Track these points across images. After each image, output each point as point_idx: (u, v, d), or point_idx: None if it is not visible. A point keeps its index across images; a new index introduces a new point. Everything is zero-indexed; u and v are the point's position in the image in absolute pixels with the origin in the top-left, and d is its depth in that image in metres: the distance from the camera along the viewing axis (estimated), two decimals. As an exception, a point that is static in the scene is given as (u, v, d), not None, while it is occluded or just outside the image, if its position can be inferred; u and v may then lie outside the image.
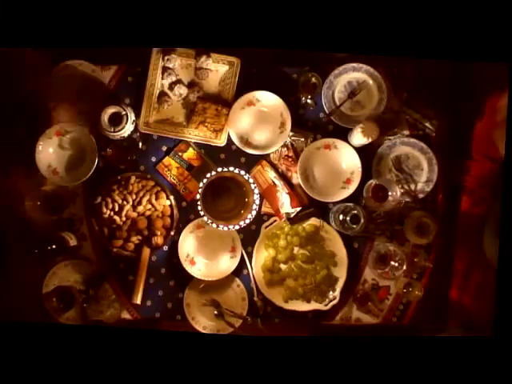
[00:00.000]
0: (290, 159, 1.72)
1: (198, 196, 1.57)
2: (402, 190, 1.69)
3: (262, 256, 1.72)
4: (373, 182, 1.60)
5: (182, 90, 1.71)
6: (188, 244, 1.71)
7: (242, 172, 1.58)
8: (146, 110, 1.71)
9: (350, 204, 1.64)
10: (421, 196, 1.70)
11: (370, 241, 1.73)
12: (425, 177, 1.71)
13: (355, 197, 1.68)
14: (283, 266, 1.72)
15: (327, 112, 1.71)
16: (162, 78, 1.71)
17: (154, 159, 1.73)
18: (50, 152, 1.67)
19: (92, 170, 1.65)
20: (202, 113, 1.70)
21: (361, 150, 1.69)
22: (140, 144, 1.72)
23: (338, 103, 1.72)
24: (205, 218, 1.58)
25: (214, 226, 1.58)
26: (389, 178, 1.71)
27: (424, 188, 1.70)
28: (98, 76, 1.70)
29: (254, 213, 1.59)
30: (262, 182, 1.71)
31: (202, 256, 1.72)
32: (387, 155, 1.71)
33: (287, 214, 1.70)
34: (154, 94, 1.71)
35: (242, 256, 1.71)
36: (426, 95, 1.72)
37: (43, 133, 1.65)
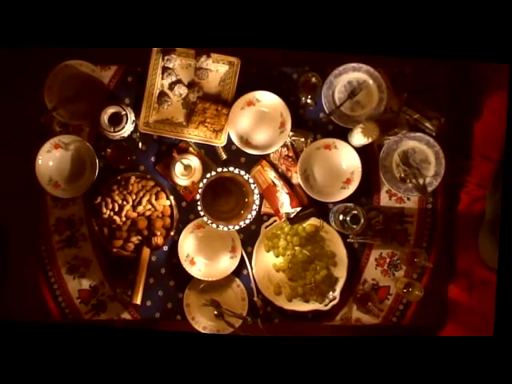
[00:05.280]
0: (289, 159, 1.72)
1: (198, 196, 1.57)
2: (411, 185, 1.69)
3: (261, 256, 1.72)
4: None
5: (181, 90, 1.71)
6: (188, 244, 1.71)
7: (242, 172, 1.58)
8: (145, 110, 1.70)
9: (350, 204, 1.64)
10: (430, 190, 1.69)
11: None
12: (433, 171, 1.70)
13: (355, 197, 1.69)
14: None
15: (327, 112, 1.71)
16: (162, 78, 1.71)
17: (153, 159, 1.74)
18: (49, 165, 1.67)
19: (93, 180, 1.65)
20: (202, 113, 1.69)
21: (361, 150, 1.69)
22: (140, 144, 1.72)
23: (338, 103, 1.72)
24: (205, 218, 1.58)
25: (214, 226, 1.58)
26: (396, 172, 1.71)
27: (432, 182, 1.70)
28: (97, 76, 1.70)
29: (254, 213, 1.59)
30: (262, 181, 1.71)
31: (202, 256, 1.72)
32: (394, 150, 1.71)
33: (287, 213, 1.70)
34: (154, 93, 1.71)
35: (242, 256, 1.71)
36: (426, 95, 1.72)
37: (42, 145, 1.64)
